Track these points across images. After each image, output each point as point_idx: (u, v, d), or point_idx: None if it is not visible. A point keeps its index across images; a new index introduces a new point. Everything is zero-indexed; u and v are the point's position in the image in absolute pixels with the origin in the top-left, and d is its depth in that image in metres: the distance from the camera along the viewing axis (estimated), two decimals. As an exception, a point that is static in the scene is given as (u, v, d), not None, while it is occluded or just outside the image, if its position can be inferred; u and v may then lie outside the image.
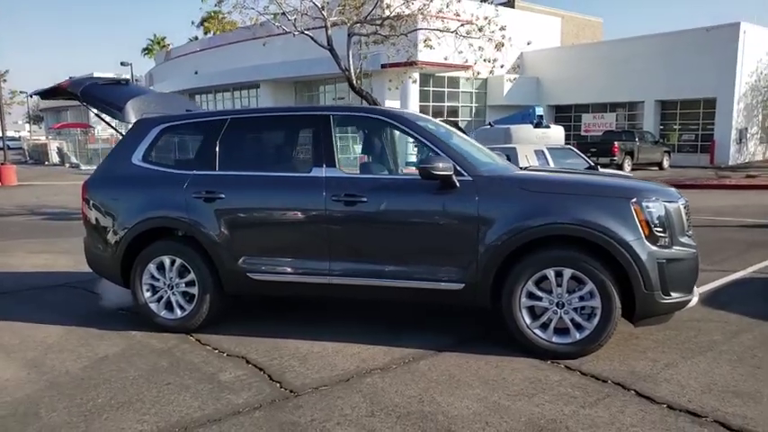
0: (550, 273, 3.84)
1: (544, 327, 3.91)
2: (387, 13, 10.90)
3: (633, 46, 29.19)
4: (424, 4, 11.20)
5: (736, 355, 3.91)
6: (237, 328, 4.64)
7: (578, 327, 3.84)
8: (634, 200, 3.79)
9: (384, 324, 4.70)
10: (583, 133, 30.08)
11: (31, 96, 5.81)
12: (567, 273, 3.81)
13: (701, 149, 27.99)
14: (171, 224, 4.57)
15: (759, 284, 5.78)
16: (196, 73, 37.74)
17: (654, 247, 3.73)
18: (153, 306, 4.66)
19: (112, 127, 5.73)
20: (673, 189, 4.14)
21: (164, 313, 4.64)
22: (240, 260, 4.41)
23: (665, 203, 3.87)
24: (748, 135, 28.08)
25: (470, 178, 4.00)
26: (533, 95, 31.18)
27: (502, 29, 11.08)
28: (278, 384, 3.61)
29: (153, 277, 4.65)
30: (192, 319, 4.56)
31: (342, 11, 11.32)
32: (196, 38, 58.07)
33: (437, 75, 29.16)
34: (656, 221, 3.78)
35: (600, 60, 30.11)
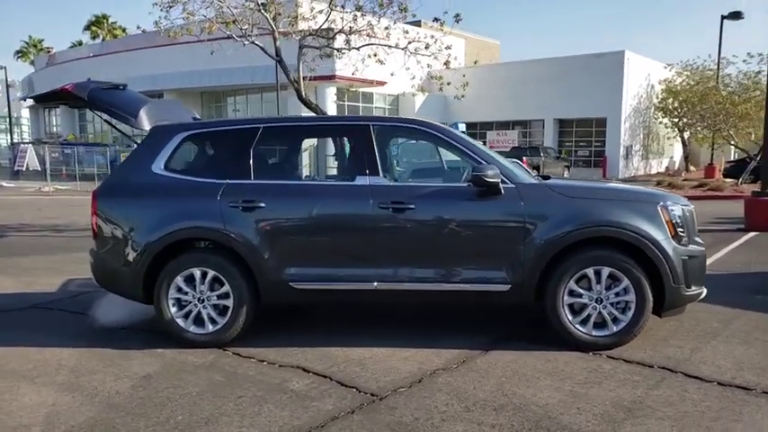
0: (590, 271, 4.19)
1: (584, 322, 4.24)
2: (340, 26, 11.03)
3: (532, 68, 31.26)
4: (370, 23, 11.47)
5: (740, 338, 4.45)
6: (266, 339, 4.56)
7: (615, 320, 4.21)
8: (661, 204, 4.24)
9: (416, 328, 4.83)
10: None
11: (24, 100, 5.27)
12: (606, 271, 4.17)
13: (594, 164, 30.44)
14: (205, 235, 4.45)
15: (721, 279, 6.51)
16: (89, 80, 35.56)
17: (678, 246, 4.20)
18: (180, 321, 4.49)
19: (122, 132, 5.42)
20: (680, 196, 4.66)
21: (192, 328, 4.48)
22: (282, 270, 4.37)
23: (682, 207, 4.35)
24: (633, 151, 30.93)
25: (513, 185, 4.27)
26: (442, 113, 32.39)
27: (448, 47, 11.59)
28: (355, 389, 3.65)
29: (180, 291, 4.48)
30: (225, 332, 4.45)
31: (292, 23, 11.32)
32: (80, 42, 54.78)
33: (351, 89, 29.58)
34: (679, 222, 4.25)
35: (502, 80, 31.92)
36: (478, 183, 4.16)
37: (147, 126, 4.80)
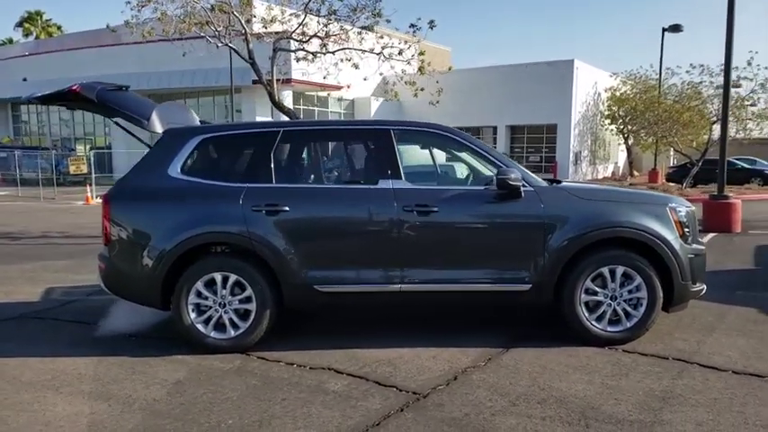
0: (605, 270, 4.41)
1: (599, 318, 4.44)
2: (315, 30, 11.04)
3: (485, 75, 31.99)
4: (343, 27, 11.53)
5: (737, 330, 4.77)
6: (286, 343, 4.56)
7: (628, 316, 4.44)
8: (669, 205, 4.51)
9: (432, 329, 4.93)
10: (443, 154, 32.17)
11: (30, 102, 5.02)
12: (620, 270, 4.40)
13: (545, 169, 31.34)
14: (228, 239, 4.41)
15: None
16: (25, 80, 34.03)
17: (685, 245, 4.47)
18: (200, 327, 4.44)
19: (135, 136, 5.27)
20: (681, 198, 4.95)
21: (213, 333, 4.44)
22: (306, 273, 4.39)
23: (686, 208, 4.64)
24: (581, 157, 32.08)
25: (532, 188, 4.45)
26: (396, 118, 32.70)
27: (421, 53, 11.77)
28: (394, 389, 3.72)
29: (200, 296, 4.43)
30: (248, 337, 4.42)
31: (266, 25, 11.24)
32: (11, 40, 52.11)
33: (307, 93, 29.50)
34: (685, 222, 4.52)
35: (456, 86, 32.45)
36: (503, 186, 4.30)
37: (159, 129, 4.72)
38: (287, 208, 4.38)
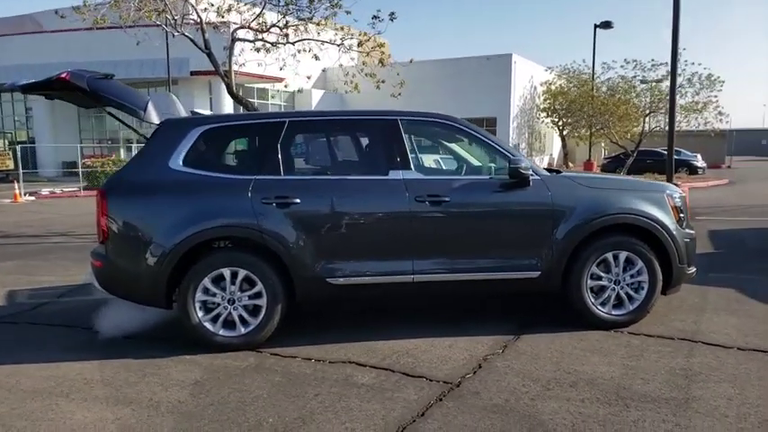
0: (609, 256, 4.55)
1: (604, 302, 4.59)
2: (274, 21, 10.79)
3: (425, 68, 32.14)
4: (301, 18, 11.33)
5: (724, 310, 5.04)
6: (296, 338, 4.45)
7: (630, 299, 4.61)
8: (667, 192, 4.71)
9: (438, 318, 4.94)
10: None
11: (12, 90, 4.53)
12: (623, 255, 4.56)
13: (486, 161, 32.08)
14: (237, 233, 4.25)
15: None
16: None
17: (681, 229, 4.68)
18: (208, 325, 4.27)
19: (130, 126, 4.96)
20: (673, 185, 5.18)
21: (222, 331, 4.29)
22: (318, 266, 4.30)
23: (679, 194, 4.86)
24: (520, 149, 33.00)
25: (539, 177, 4.53)
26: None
27: (380, 45, 11.72)
28: (424, 379, 3.71)
29: (207, 293, 4.26)
30: (258, 333, 4.30)
31: (222, 15, 10.87)
32: None
33: (246, 85, 28.81)
34: (680, 208, 4.74)
35: (397, 80, 32.62)
36: (515, 174, 4.36)
37: (155, 119, 4.48)
38: (298, 200, 4.27)
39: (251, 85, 29.41)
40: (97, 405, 3.43)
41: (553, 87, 31.56)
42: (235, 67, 11.07)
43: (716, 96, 24.02)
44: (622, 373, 3.70)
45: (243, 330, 4.30)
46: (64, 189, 21.22)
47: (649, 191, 4.73)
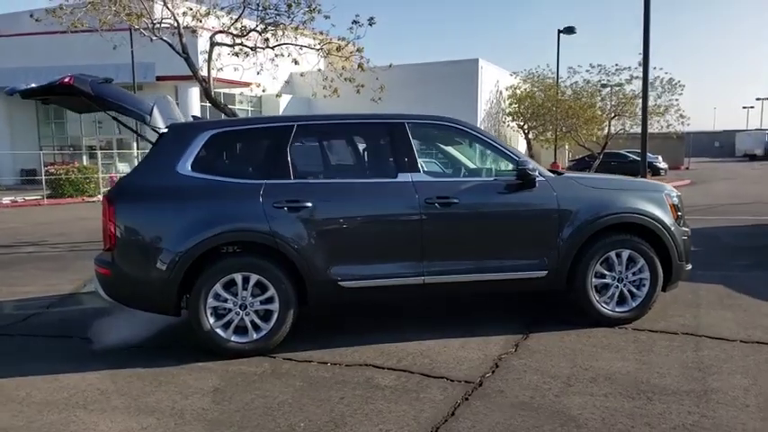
0: (612, 254, 4.67)
1: (608, 300, 4.71)
2: (255, 25, 10.70)
3: (392, 73, 32.25)
4: (276, 21, 11.26)
5: (718, 305, 5.23)
6: (305, 343, 4.42)
7: (633, 296, 4.74)
8: (665, 192, 4.86)
9: (443, 319, 4.98)
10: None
11: (12, 95, 4.36)
12: (626, 253, 4.68)
13: (455, 165, 32.39)
14: (249, 237, 4.21)
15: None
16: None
17: (679, 228, 4.84)
18: (220, 331, 4.21)
19: (135, 132, 4.84)
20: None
21: (234, 337, 4.24)
22: (330, 269, 4.30)
23: (676, 194, 5.02)
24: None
25: (543, 178, 4.63)
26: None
27: (359, 50, 11.74)
28: (444, 379, 3.74)
29: (218, 299, 4.21)
30: (271, 338, 4.27)
31: (199, 18, 10.72)
32: None
33: (213, 90, 28.42)
34: (678, 207, 4.90)
35: (366, 85, 32.72)
36: (523, 176, 4.45)
37: (161, 124, 4.41)
38: (309, 204, 4.26)
39: (218, 90, 29.05)
40: (118, 415, 3.35)
41: (518, 92, 32.12)
42: (213, 72, 10.93)
43: (677, 100, 24.87)
44: (637, 368, 3.80)
45: (255, 336, 4.25)
46: (26, 197, 20.57)
47: (649, 190, 4.88)
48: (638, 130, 25.97)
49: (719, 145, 73.36)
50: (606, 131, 24.48)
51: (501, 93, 34.11)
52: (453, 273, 4.48)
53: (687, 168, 40.53)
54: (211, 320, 4.19)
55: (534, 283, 4.64)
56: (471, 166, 5.17)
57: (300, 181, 4.37)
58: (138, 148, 28.26)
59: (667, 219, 4.74)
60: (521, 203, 4.58)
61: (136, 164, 29.34)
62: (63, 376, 3.98)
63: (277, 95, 23.43)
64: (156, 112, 4.39)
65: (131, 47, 18.94)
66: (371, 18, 11.33)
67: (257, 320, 4.26)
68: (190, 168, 4.28)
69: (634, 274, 4.72)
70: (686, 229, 4.98)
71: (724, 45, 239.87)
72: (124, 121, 4.56)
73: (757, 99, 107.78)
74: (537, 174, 4.51)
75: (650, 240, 4.72)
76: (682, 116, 24.84)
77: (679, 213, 4.88)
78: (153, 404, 3.49)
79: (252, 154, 4.55)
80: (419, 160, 4.54)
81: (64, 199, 20.37)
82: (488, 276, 4.53)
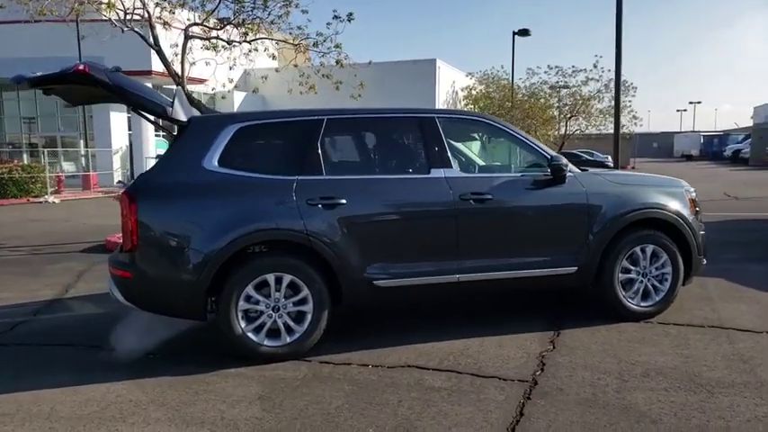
0: (638, 250, 4.71)
1: (633, 295, 4.74)
2: (230, 17, 10.35)
3: (351, 71, 32.23)
4: (254, 16, 10.96)
5: (730, 297, 5.35)
6: (333, 346, 4.24)
7: (656, 290, 4.79)
8: (685, 188, 4.94)
9: (469, 317, 4.91)
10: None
11: (19, 83, 3.92)
12: (650, 248, 4.73)
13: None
14: (283, 236, 4.02)
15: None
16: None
17: (698, 222, 4.93)
18: (252, 335, 4.00)
19: (154, 123, 4.50)
20: None
21: (267, 341, 4.03)
22: (365, 268, 4.15)
23: (693, 189, 5.11)
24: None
25: (572, 174, 4.62)
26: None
27: (337, 46, 11.56)
28: (497, 378, 3.66)
29: (250, 301, 4.00)
30: (305, 341, 4.09)
31: (171, 10, 10.27)
32: None
33: (165, 87, 27.53)
34: (696, 202, 4.99)
35: (322, 82, 32.40)
36: (556, 171, 4.42)
37: (183, 117, 4.16)
38: (344, 201, 4.10)
39: (171, 87, 28.15)
40: (166, 428, 3.12)
41: (474, 93, 32.50)
42: (186, 66, 10.50)
43: (630, 101, 25.76)
44: (682, 362, 3.83)
45: (288, 339, 4.07)
46: (-32, 199, 19.29)
47: (670, 186, 4.95)
48: (593, 131, 26.87)
49: (658, 146, 76.45)
50: (564, 131, 25.10)
51: (457, 93, 34.43)
52: (487, 270, 4.40)
53: (633, 168, 41.99)
54: (243, 324, 3.98)
55: (565, 280, 4.62)
56: (497, 162, 5.11)
57: (333, 177, 4.20)
58: (86, 146, 27.09)
59: (688, 214, 4.81)
60: (553, 199, 4.55)
61: (83, 163, 27.98)
62: (84, 388, 3.69)
63: (253, 91, 22.78)
64: (177, 104, 4.13)
65: (77, 40, 18.14)
66: (350, 14, 11.19)
67: (290, 323, 4.07)
68: (217, 164, 4.05)
69: (657, 268, 4.77)
70: (702, 224, 5.08)
71: (658, 49, 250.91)
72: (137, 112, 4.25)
73: (690, 102, 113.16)
74: (568, 169, 4.49)
75: (672, 235, 4.78)
76: (634, 117, 25.77)
77: (697, 209, 4.97)
78: (199, 415, 3.26)
79: (281, 149, 4.35)
80: (452, 156, 4.45)
81: (7, 200, 19.21)
82: (522, 273, 4.48)
